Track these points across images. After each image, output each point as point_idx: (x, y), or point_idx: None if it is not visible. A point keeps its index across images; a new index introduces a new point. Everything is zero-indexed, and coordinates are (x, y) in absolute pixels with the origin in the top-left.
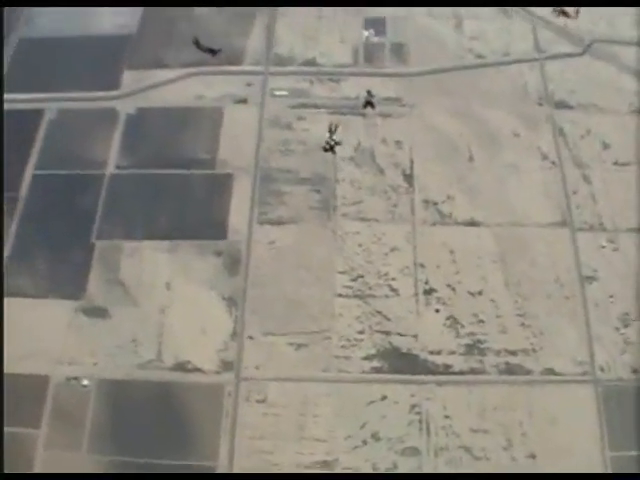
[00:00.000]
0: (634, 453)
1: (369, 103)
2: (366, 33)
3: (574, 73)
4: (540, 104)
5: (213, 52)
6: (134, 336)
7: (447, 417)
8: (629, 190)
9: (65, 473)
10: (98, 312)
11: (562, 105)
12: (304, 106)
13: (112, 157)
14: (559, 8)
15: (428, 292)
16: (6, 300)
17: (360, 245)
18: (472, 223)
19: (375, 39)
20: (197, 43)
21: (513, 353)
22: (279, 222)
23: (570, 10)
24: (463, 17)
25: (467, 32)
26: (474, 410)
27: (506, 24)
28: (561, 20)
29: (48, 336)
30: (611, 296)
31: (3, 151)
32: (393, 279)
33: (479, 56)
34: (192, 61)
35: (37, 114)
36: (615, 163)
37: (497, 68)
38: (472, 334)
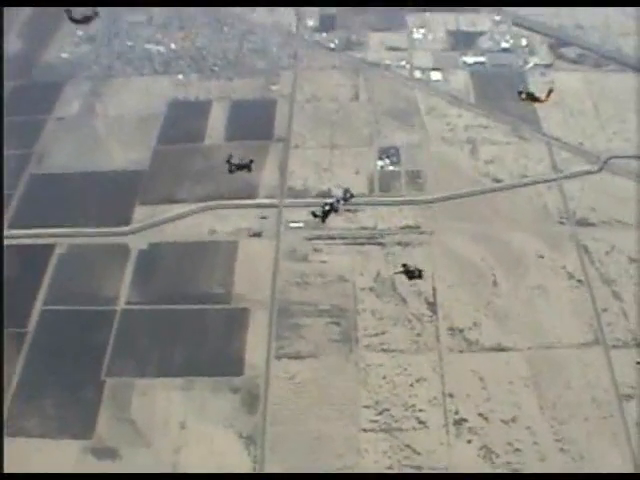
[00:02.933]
0: None
1: (330, 210)
2: (381, 163)
3: (593, 190)
4: (562, 223)
5: (248, 167)
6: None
7: None
8: None
9: (65, 473)
10: (108, 453)
11: (584, 223)
12: (320, 238)
13: (123, 292)
14: (525, 94)
15: (458, 422)
16: (10, 440)
17: (384, 377)
18: (501, 348)
19: (390, 168)
20: (229, 162)
21: None
22: (298, 356)
23: (541, 95)
24: (478, 143)
25: (482, 156)
26: None
27: (522, 147)
28: (531, 105)
29: None
30: None
31: (3, 153)
32: (421, 410)
33: (496, 180)
34: (204, 195)
35: (47, 249)
36: None
37: (515, 190)
38: (508, 463)
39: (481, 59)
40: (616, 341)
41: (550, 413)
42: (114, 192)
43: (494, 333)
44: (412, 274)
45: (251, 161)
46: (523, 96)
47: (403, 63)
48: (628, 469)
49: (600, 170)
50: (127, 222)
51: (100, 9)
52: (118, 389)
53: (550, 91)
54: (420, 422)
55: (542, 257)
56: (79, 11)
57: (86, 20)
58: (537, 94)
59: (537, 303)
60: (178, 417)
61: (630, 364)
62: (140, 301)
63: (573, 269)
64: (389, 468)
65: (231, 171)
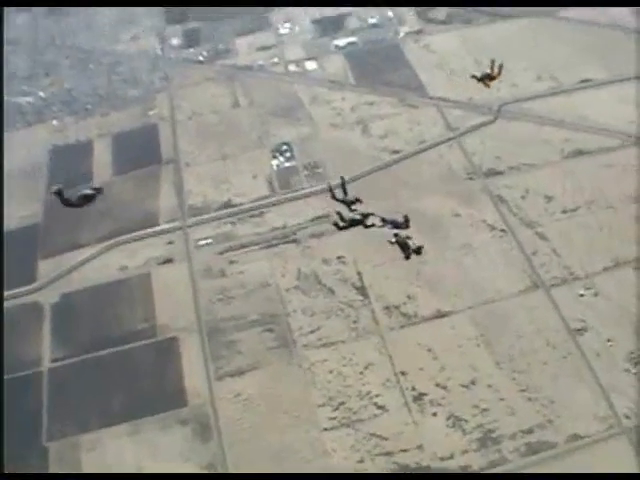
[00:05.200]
0: None
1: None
2: (276, 162)
3: (493, 140)
4: (470, 179)
5: (96, 193)
6: None
7: None
8: (587, 232)
9: (65, 473)
10: None
11: (492, 173)
12: (232, 249)
13: (46, 351)
14: (480, 76)
15: (418, 398)
16: None
17: (331, 372)
18: (442, 315)
19: (286, 165)
20: (59, 193)
21: (529, 431)
22: (239, 372)
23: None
24: (367, 120)
25: (375, 133)
26: None
27: (412, 115)
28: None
29: None
30: (609, 340)
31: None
32: (377, 396)
33: (394, 152)
34: (106, 234)
35: None
36: (564, 212)
37: (416, 158)
38: (480, 426)
39: (352, 39)
40: (554, 280)
41: (508, 366)
42: (13, 252)
43: (431, 301)
44: (406, 247)
45: (100, 187)
46: (478, 77)
47: (276, 60)
48: (599, 400)
49: (495, 119)
50: (32, 279)
51: None
52: (64, 451)
53: (500, 66)
54: (379, 407)
55: (459, 216)
56: (74, 190)
57: (86, 200)
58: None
59: (466, 262)
60: (132, 464)
61: (574, 298)
62: (65, 356)
63: (493, 221)
64: (360, 462)
65: (71, 204)
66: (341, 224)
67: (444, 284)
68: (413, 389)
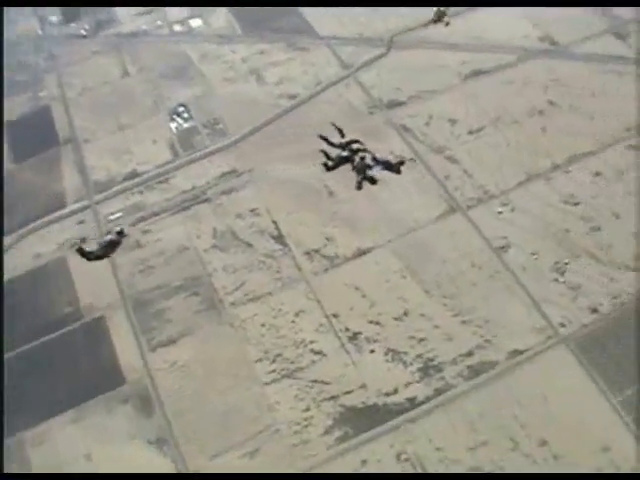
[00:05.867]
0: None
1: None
2: (174, 125)
3: (389, 72)
4: (372, 113)
5: (120, 237)
6: None
7: (439, 449)
8: (496, 150)
9: (65, 473)
10: None
11: (394, 105)
12: (144, 219)
13: None
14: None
15: (353, 338)
16: None
17: (263, 325)
18: (363, 252)
19: (186, 126)
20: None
21: (469, 354)
22: (171, 341)
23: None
24: (261, 70)
25: (270, 80)
26: (461, 429)
27: (305, 57)
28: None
29: None
30: (533, 253)
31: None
32: (312, 342)
33: (292, 97)
34: (16, 224)
35: None
36: (470, 132)
37: (315, 100)
38: (419, 356)
39: None
40: (470, 201)
41: (437, 293)
42: None
43: (351, 240)
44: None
45: (120, 234)
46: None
47: (159, 23)
48: (532, 313)
49: (389, 51)
50: None
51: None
52: (12, 450)
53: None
54: (316, 353)
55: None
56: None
57: (110, 249)
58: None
59: (380, 196)
60: (81, 450)
61: (492, 217)
62: None
63: (401, 151)
64: (306, 410)
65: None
66: (329, 163)
67: (361, 222)
68: (347, 330)
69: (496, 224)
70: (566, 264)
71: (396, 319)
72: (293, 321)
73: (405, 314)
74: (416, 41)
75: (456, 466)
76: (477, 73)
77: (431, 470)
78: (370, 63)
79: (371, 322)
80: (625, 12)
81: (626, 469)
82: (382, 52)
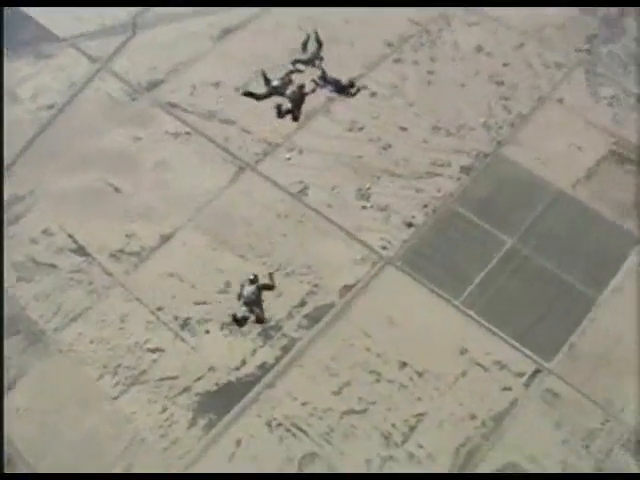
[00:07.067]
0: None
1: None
2: None
3: (141, 53)
4: (134, 99)
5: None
6: None
7: (305, 404)
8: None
9: (65, 473)
10: None
11: (153, 85)
12: None
13: None
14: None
15: (185, 324)
16: None
17: (92, 342)
18: (167, 238)
19: None
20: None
21: (302, 304)
22: (9, 388)
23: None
24: (14, 87)
25: (25, 97)
26: (320, 377)
27: (53, 64)
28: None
29: None
30: (333, 188)
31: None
32: (146, 342)
33: (50, 107)
34: None
35: None
36: (236, 89)
37: (74, 103)
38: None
39: None
40: (256, 156)
41: (252, 254)
42: None
43: (151, 230)
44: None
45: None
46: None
47: None
48: (351, 245)
49: (135, 32)
50: None
51: None
52: None
53: None
54: (154, 351)
55: (140, 139)
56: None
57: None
58: None
59: (167, 178)
60: None
61: (282, 164)
62: None
63: (174, 128)
64: (164, 410)
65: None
66: (257, 93)
67: (155, 209)
68: (176, 318)
69: (288, 171)
70: (368, 189)
71: (221, 292)
72: (120, 327)
73: (227, 285)
74: (160, 16)
75: (328, 414)
76: (227, 32)
77: (305, 427)
78: (119, 50)
79: (197, 303)
80: None
81: (487, 363)
82: (128, 36)
